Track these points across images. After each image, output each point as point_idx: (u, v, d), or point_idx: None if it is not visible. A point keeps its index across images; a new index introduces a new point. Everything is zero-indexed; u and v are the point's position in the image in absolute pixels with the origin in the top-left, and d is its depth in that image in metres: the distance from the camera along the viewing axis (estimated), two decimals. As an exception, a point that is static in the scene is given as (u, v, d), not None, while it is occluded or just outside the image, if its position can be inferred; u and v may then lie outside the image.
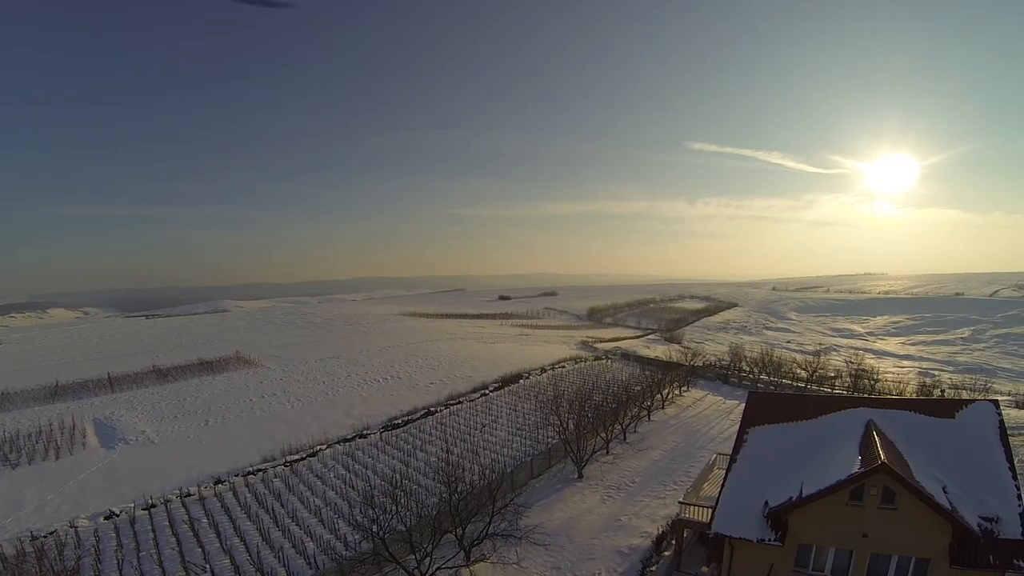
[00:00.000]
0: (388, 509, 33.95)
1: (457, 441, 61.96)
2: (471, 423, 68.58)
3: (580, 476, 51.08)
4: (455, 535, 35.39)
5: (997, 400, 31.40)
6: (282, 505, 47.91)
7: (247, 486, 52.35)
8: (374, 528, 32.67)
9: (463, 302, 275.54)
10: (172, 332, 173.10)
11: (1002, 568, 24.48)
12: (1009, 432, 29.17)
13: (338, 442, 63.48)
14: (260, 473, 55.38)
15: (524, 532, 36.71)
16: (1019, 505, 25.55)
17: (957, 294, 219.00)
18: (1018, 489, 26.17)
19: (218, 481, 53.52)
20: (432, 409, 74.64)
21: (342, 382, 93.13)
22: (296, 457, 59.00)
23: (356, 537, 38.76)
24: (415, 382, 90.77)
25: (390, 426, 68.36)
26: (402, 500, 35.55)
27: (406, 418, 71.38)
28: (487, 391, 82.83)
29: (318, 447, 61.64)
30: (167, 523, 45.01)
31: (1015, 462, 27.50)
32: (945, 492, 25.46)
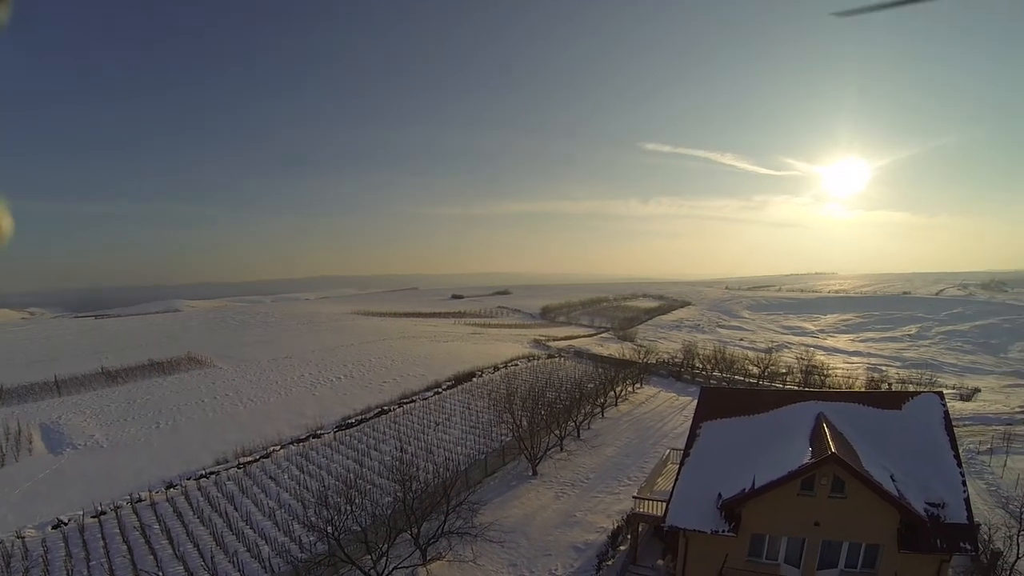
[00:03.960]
0: (343, 509, 33.42)
1: (411, 440, 61.35)
2: (425, 421, 67.94)
3: (535, 473, 50.93)
4: (411, 534, 35.04)
5: (942, 392, 32.31)
6: (235, 508, 46.52)
7: (199, 489, 50.74)
8: (329, 529, 32.13)
9: (417, 301, 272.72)
10: (122, 333, 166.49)
11: (949, 551, 25.03)
12: (954, 423, 29.92)
13: (292, 442, 62.06)
14: (213, 476, 53.68)
15: (480, 530, 36.48)
16: (963, 491, 26.11)
17: (904, 293, 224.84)
18: (962, 476, 26.78)
19: (170, 485, 51.67)
20: (385, 408, 73.67)
21: (295, 382, 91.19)
22: (249, 459, 57.38)
23: (311, 538, 37.75)
24: (368, 381, 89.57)
25: (344, 425, 67.24)
26: (357, 500, 35.15)
27: (360, 417, 70.33)
28: (440, 389, 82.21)
29: (271, 448, 60.13)
30: (118, 530, 43.16)
31: (959, 451, 28.22)
32: (893, 480, 25.84)
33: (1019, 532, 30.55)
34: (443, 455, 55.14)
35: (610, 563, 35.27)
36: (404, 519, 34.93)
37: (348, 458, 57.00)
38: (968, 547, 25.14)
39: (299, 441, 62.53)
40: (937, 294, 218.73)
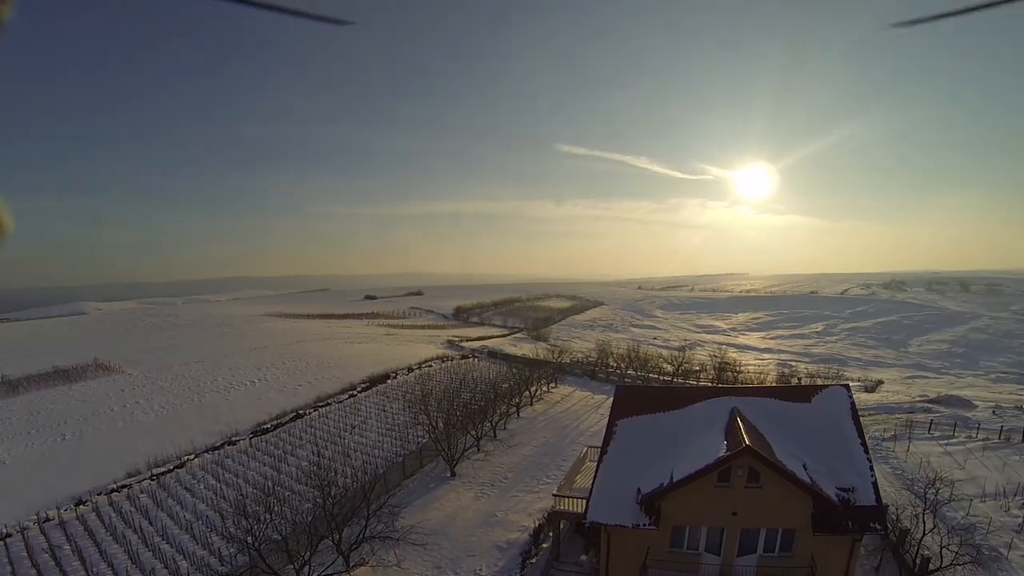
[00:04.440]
0: (262, 518, 32.75)
1: (328, 444, 60.59)
2: (341, 425, 67.29)
3: (453, 474, 50.79)
4: (332, 540, 34.50)
5: (848, 384, 34.30)
6: (150, 522, 44.82)
7: (111, 505, 48.50)
8: (249, 539, 31.49)
9: (329, 302, 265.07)
10: (23, 338, 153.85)
11: (860, 531, 26.61)
12: (860, 413, 31.53)
13: (206, 451, 60.11)
14: (125, 489, 51.35)
15: (401, 533, 35.91)
16: (871, 476, 27.62)
17: (812, 292, 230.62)
18: (870, 462, 28.35)
19: (79, 502, 49.04)
20: (301, 412, 72.33)
21: (208, 387, 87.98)
22: (163, 469, 55.26)
23: (231, 550, 36.77)
24: (283, 385, 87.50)
25: (259, 431, 65.68)
26: (276, 508, 34.37)
27: (275, 422, 68.76)
28: (355, 392, 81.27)
29: (186, 457, 58.09)
30: (25, 554, 40.69)
31: (866, 438, 29.94)
32: (805, 468, 26.91)
33: (924, 511, 31.98)
34: (361, 458, 54.86)
35: (533, 561, 35.28)
36: (325, 525, 34.54)
37: (265, 465, 55.88)
38: (878, 527, 26.89)
39: (214, 449, 60.66)
40: (842, 293, 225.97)
